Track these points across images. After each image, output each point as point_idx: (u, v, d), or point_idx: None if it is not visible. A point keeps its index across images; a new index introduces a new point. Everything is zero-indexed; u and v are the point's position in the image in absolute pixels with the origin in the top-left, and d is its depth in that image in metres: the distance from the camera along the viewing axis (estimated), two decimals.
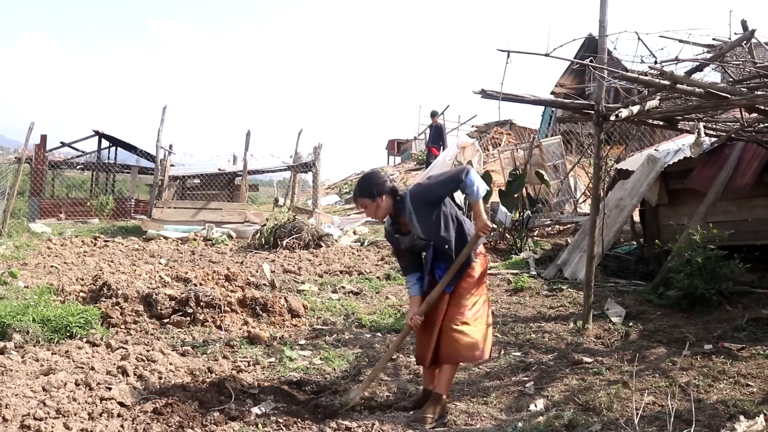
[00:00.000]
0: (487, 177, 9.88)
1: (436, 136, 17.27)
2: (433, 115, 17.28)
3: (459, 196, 4.29)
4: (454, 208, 4.10)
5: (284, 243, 10.77)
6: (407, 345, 5.64)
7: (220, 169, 17.82)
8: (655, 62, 4.89)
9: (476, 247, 4.08)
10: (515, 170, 10.43)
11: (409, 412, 4.12)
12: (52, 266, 9.05)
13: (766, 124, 6.32)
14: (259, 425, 3.81)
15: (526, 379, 4.77)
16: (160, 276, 7.60)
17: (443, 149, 16.38)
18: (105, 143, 20.76)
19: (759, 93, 4.69)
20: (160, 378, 4.54)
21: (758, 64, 4.88)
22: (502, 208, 10.17)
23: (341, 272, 8.90)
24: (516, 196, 10.01)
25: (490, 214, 10.00)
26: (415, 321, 4.07)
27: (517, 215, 9.81)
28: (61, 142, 20.61)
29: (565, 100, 6.32)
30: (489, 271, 7.64)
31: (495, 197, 10.56)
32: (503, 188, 10.17)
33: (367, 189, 4.03)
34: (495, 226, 10.00)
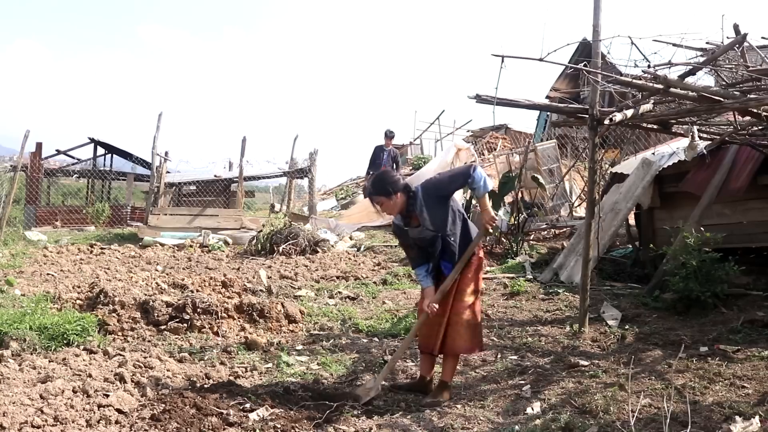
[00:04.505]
0: None
1: (390, 164, 13.60)
2: (389, 136, 13.83)
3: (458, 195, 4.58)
4: (460, 207, 4.42)
5: (281, 249, 10.76)
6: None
7: (216, 176, 17.79)
8: (649, 66, 4.93)
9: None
10: (508, 172, 10.44)
11: (406, 393, 4.58)
12: (48, 274, 9.03)
13: (759, 127, 6.37)
14: (257, 430, 3.81)
15: (522, 382, 4.78)
16: (156, 283, 7.60)
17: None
18: (100, 150, 20.73)
19: (751, 96, 4.73)
20: (158, 384, 4.54)
21: (750, 68, 4.92)
22: (500, 213, 10.19)
23: (338, 277, 8.90)
24: (510, 200, 10.03)
25: None
26: (432, 309, 4.31)
27: (513, 219, 9.83)
28: (56, 150, 20.57)
29: (560, 105, 6.38)
30: (485, 276, 7.67)
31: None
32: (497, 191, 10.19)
33: (383, 188, 4.29)
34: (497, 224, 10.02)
